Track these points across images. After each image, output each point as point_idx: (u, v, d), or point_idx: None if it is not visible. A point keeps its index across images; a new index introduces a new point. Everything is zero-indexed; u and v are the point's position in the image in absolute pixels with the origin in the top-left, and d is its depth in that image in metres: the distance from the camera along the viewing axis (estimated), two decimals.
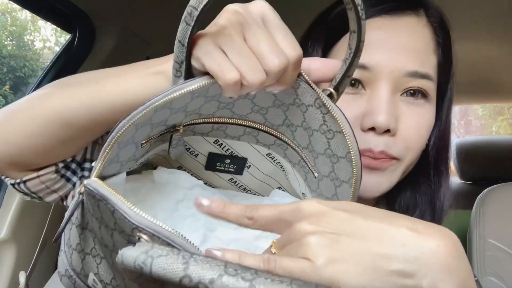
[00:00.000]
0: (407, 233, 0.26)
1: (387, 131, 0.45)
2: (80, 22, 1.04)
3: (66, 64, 1.05)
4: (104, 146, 0.33)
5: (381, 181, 0.47)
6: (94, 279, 0.35)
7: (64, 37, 1.20)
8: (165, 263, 0.23)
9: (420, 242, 0.26)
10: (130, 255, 0.24)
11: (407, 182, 0.52)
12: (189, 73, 0.33)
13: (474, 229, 0.97)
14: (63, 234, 0.38)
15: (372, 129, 0.45)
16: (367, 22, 0.44)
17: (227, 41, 0.31)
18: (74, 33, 1.05)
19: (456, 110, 9.56)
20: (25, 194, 0.46)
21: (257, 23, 0.32)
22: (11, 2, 0.92)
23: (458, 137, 8.10)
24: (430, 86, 0.47)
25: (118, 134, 0.32)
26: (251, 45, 0.31)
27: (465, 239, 1.05)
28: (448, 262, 0.26)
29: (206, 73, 0.32)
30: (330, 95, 0.36)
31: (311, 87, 0.35)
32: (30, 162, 0.43)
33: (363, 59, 0.42)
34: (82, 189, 0.33)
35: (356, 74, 0.45)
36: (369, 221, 0.26)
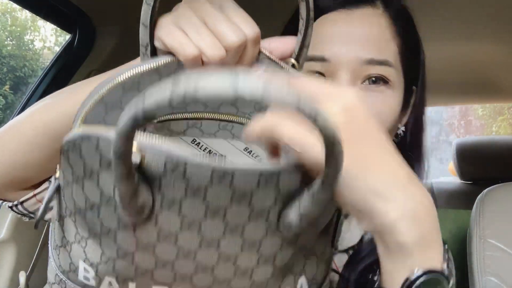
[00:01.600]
0: None
1: None
2: (80, 22, 1.04)
3: (66, 64, 1.05)
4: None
5: None
6: (84, 268, 0.34)
7: (64, 37, 1.20)
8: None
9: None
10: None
11: None
12: (155, 55, 0.35)
13: (474, 229, 0.97)
14: (49, 243, 0.38)
15: None
16: (324, 16, 0.49)
17: (186, 22, 0.34)
18: (74, 33, 1.05)
19: (456, 110, 9.57)
20: (23, 215, 0.46)
21: (214, 6, 0.34)
22: (11, 2, 0.92)
23: (458, 137, 8.12)
24: (390, 72, 0.48)
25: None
26: (210, 25, 0.33)
27: (465, 239, 1.05)
28: None
29: (169, 53, 0.34)
30: (293, 66, 0.37)
31: (274, 61, 0.36)
32: (24, 179, 0.44)
33: (322, 52, 0.47)
34: (57, 174, 0.33)
35: (317, 66, 0.48)
36: None
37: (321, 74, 0.49)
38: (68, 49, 1.06)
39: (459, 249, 1.38)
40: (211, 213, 0.27)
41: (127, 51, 1.11)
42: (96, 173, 0.29)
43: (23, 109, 1.04)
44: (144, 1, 0.35)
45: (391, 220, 0.27)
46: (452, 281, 0.29)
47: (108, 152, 0.27)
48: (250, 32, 0.33)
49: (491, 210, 0.97)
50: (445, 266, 0.28)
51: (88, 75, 1.04)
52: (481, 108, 8.78)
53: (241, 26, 0.33)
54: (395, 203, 0.27)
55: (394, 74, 0.49)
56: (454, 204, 1.92)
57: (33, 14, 1.00)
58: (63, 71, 1.05)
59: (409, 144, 0.54)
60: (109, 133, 0.27)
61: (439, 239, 0.29)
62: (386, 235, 0.28)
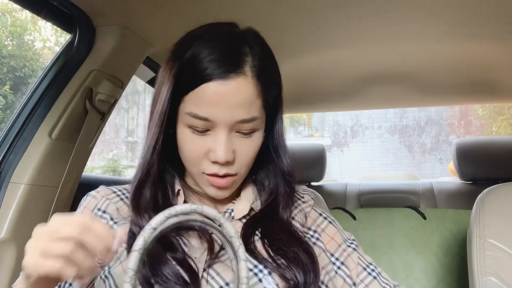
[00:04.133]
0: None
1: (227, 162, 0.62)
2: (80, 22, 1.04)
3: (66, 64, 1.05)
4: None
5: (226, 193, 0.67)
6: None
7: (64, 37, 1.20)
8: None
9: None
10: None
11: (259, 164, 0.71)
12: None
13: (474, 229, 0.97)
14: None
15: (217, 162, 0.63)
16: (207, 85, 0.60)
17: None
18: (74, 33, 1.05)
19: (456, 110, 9.57)
20: None
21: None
22: (11, 2, 0.92)
23: (458, 137, 8.11)
24: (257, 123, 0.64)
25: None
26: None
27: (465, 239, 1.05)
28: None
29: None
30: None
31: None
32: None
33: (205, 113, 0.60)
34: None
35: (201, 124, 0.62)
36: None
37: (204, 129, 0.62)
38: (68, 49, 1.06)
39: (459, 249, 1.38)
40: None
41: (127, 51, 1.11)
42: None
43: (23, 109, 1.04)
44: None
45: None
46: None
47: None
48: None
49: (491, 210, 0.97)
50: None
51: (88, 75, 1.04)
52: (481, 108, 8.79)
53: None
54: None
55: (259, 123, 0.64)
56: (454, 204, 1.93)
57: (33, 14, 1.00)
58: (63, 71, 1.05)
59: (273, 149, 0.71)
60: None
61: None
62: None
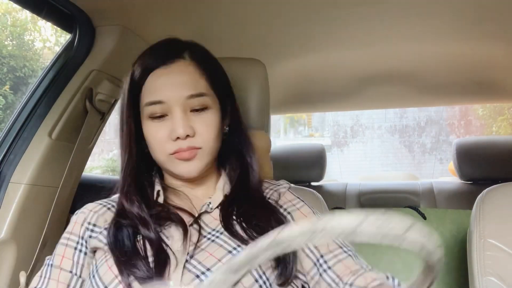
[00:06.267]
0: None
1: (188, 136, 0.69)
2: (80, 22, 1.04)
3: (66, 64, 1.05)
4: None
5: (194, 166, 0.71)
6: None
7: (64, 37, 1.20)
8: None
9: None
10: None
11: (227, 157, 0.78)
12: None
13: (474, 229, 0.97)
14: None
15: (178, 138, 0.69)
16: (154, 73, 0.70)
17: None
18: (74, 33, 1.05)
19: (456, 110, 9.57)
20: None
21: None
22: (11, 2, 0.92)
23: (458, 137, 8.10)
24: (206, 100, 0.71)
25: None
26: None
27: (465, 239, 1.05)
28: None
29: None
30: None
31: None
32: None
33: (158, 98, 0.68)
34: None
35: (159, 109, 0.69)
36: None
37: (162, 115, 0.70)
38: (68, 49, 1.06)
39: (459, 249, 1.38)
40: None
41: (127, 51, 1.11)
42: None
43: (23, 109, 1.04)
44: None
45: None
46: None
47: None
48: None
49: (491, 210, 0.97)
50: None
51: (88, 75, 1.04)
52: (481, 108, 8.78)
53: None
54: None
55: (209, 100, 0.72)
56: (454, 204, 1.92)
57: (33, 14, 1.00)
58: (63, 71, 1.05)
59: (235, 137, 0.78)
60: None
61: None
62: None
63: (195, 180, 0.75)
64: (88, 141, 1.12)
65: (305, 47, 1.29)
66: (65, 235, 0.72)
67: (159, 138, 0.70)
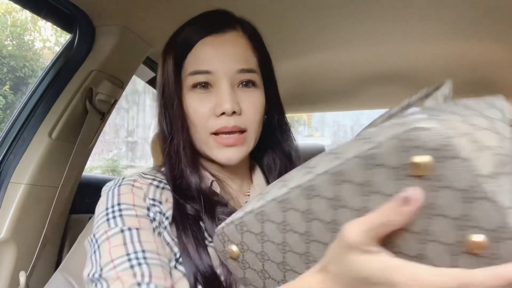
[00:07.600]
0: None
1: (234, 113, 0.62)
2: (80, 22, 1.04)
3: (66, 64, 1.05)
4: None
5: (235, 152, 0.64)
6: None
7: (64, 37, 1.20)
8: None
9: None
10: None
11: (264, 148, 0.73)
12: None
13: None
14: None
15: (223, 114, 0.62)
16: (202, 40, 0.64)
17: None
18: (74, 33, 1.05)
19: None
20: None
21: None
22: (11, 2, 0.92)
23: None
24: (255, 77, 0.66)
25: None
26: None
27: None
28: None
29: None
30: None
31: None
32: None
33: (206, 67, 0.63)
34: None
35: (203, 78, 0.63)
36: None
37: (207, 83, 0.64)
38: (68, 49, 1.06)
39: None
40: None
41: (127, 51, 1.11)
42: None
43: (23, 109, 1.04)
44: None
45: None
46: None
47: None
48: None
49: None
50: None
51: (88, 75, 1.04)
52: None
53: None
54: None
55: (258, 78, 0.67)
56: None
57: (33, 14, 1.00)
58: (63, 71, 1.05)
59: (275, 124, 0.72)
60: None
61: None
62: None
63: (230, 169, 0.68)
64: (88, 141, 1.12)
65: (304, 47, 1.29)
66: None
67: (201, 111, 0.63)
